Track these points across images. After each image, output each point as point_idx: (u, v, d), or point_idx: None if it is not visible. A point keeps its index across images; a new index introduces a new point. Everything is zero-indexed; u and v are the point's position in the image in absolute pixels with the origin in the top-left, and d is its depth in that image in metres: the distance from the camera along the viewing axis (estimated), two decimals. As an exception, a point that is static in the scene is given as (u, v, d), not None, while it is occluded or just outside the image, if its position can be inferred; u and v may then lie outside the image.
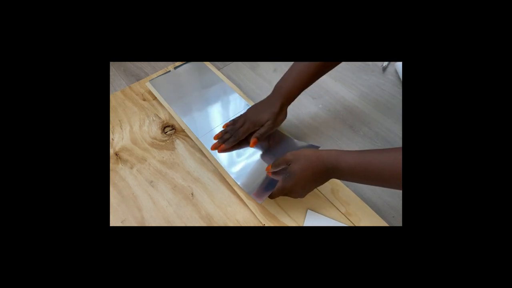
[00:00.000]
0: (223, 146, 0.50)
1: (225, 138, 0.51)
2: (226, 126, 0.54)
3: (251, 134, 0.50)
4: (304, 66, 0.47)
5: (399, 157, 0.34)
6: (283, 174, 0.43)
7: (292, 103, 0.63)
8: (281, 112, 0.49)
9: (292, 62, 0.51)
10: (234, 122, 0.53)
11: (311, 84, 0.49)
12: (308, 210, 0.45)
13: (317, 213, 0.45)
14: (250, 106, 0.53)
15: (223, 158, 0.51)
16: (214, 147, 0.51)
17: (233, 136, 0.50)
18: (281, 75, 0.68)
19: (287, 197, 0.46)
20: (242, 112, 0.57)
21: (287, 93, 0.48)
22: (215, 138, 0.53)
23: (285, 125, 0.59)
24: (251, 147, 0.49)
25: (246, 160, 0.50)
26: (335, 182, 0.49)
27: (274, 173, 0.46)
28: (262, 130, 0.48)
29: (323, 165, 0.39)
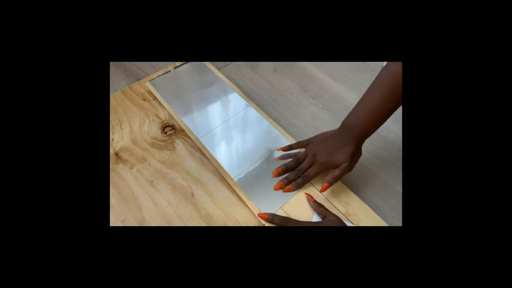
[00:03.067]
0: (290, 187, 0.46)
1: (290, 178, 0.46)
2: (285, 157, 0.49)
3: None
4: (380, 99, 0.41)
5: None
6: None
7: (292, 102, 0.63)
8: (357, 151, 0.44)
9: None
10: (297, 159, 0.47)
11: (387, 119, 0.43)
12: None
13: (317, 215, 0.45)
14: (313, 138, 0.47)
15: (223, 159, 0.51)
16: (278, 187, 0.46)
17: (302, 178, 0.46)
18: (281, 75, 0.69)
19: (286, 198, 0.46)
20: (241, 113, 0.57)
21: (363, 132, 0.43)
22: (274, 173, 0.47)
23: (285, 125, 0.59)
24: (321, 192, 0.45)
25: (250, 166, 0.50)
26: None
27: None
28: (337, 172, 0.43)
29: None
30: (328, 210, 0.43)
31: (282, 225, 0.42)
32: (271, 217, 0.43)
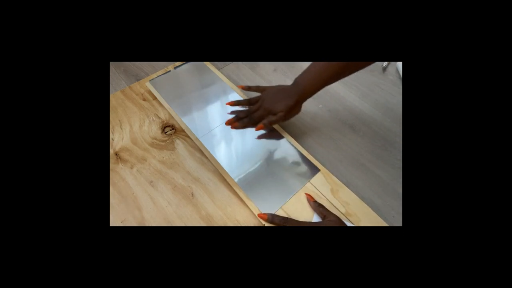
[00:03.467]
0: (236, 124, 0.54)
1: (240, 116, 0.54)
2: (239, 102, 0.56)
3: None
4: (325, 65, 0.47)
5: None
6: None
7: (292, 102, 0.63)
8: (295, 107, 0.50)
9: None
10: (249, 102, 0.55)
11: (331, 83, 0.49)
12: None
13: (317, 215, 0.45)
14: (269, 87, 0.55)
15: (223, 159, 0.51)
16: (228, 122, 0.55)
17: (248, 119, 0.54)
18: (281, 75, 0.69)
19: (286, 198, 0.46)
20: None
21: (304, 90, 0.49)
22: (227, 103, 0.56)
23: (285, 125, 0.59)
24: (256, 130, 0.52)
25: (250, 167, 0.50)
26: (335, 182, 0.49)
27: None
28: (272, 118, 0.50)
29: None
30: (328, 210, 0.43)
31: (282, 225, 0.42)
32: (271, 217, 0.43)
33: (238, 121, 0.54)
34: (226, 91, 0.61)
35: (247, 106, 0.57)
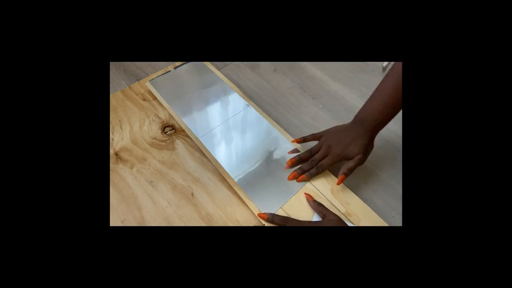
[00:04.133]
0: (303, 177, 0.47)
1: (304, 168, 0.47)
2: (300, 158, 0.48)
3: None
4: (393, 92, 0.41)
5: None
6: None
7: (292, 103, 0.63)
8: (370, 143, 0.45)
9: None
10: (311, 150, 0.48)
11: (399, 111, 0.43)
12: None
13: (317, 215, 0.45)
14: (327, 131, 0.48)
15: (223, 159, 0.51)
16: (292, 177, 0.47)
17: (316, 169, 0.47)
18: (281, 75, 0.69)
19: (286, 198, 0.46)
20: (241, 113, 0.57)
21: (376, 123, 0.44)
22: (288, 163, 0.48)
23: (285, 125, 0.59)
24: (338, 184, 0.45)
25: (250, 166, 0.50)
26: (335, 182, 0.49)
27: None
28: (351, 164, 0.44)
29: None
30: (328, 209, 0.43)
31: (282, 225, 0.42)
32: (271, 217, 0.43)
33: (305, 174, 0.47)
34: (226, 91, 0.61)
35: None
